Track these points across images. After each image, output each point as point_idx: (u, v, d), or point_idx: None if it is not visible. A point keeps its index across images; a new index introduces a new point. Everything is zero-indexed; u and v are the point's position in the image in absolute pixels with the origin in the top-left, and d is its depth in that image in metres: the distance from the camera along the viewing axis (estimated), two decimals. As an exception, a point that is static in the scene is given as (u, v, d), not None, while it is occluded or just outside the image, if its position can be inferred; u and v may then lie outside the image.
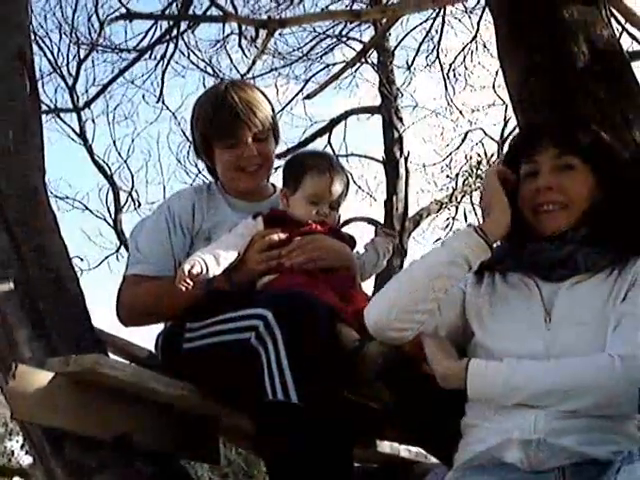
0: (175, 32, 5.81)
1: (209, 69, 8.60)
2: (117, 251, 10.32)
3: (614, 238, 1.79)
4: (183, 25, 5.95)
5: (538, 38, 2.94)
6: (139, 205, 10.44)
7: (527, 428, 1.60)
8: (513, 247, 1.89)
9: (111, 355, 2.32)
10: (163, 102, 8.86)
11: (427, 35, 8.68)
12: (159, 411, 2.11)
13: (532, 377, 1.64)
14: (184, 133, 9.28)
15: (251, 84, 2.55)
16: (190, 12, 5.50)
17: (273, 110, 2.42)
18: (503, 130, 10.28)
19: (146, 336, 2.55)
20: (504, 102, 10.39)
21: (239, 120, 2.28)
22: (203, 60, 8.42)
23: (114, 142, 10.12)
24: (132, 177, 10.51)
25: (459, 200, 7.56)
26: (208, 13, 5.39)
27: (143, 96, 9.16)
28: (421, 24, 8.91)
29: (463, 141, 10.12)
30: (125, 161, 10.37)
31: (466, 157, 7.66)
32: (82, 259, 9.57)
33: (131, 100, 9.86)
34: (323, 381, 1.85)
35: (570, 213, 1.83)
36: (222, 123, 2.29)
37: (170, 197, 2.46)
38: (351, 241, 2.36)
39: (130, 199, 10.50)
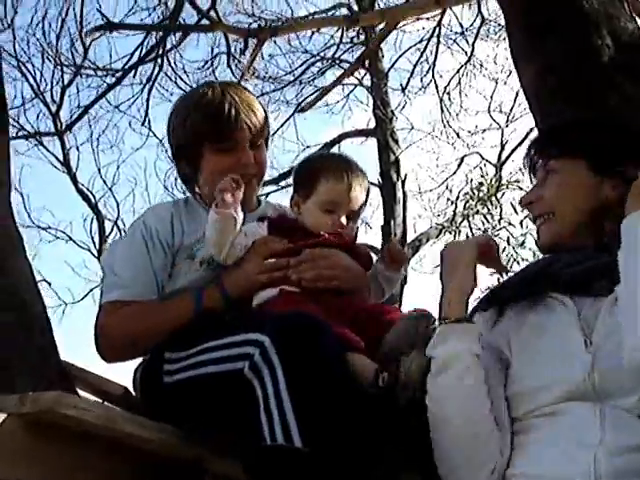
0: (160, 51, 5.57)
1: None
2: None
3: None
4: (169, 44, 5.73)
5: (558, 32, 2.72)
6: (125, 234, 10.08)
7: (588, 471, 1.35)
8: (540, 265, 1.70)
9: (82, 393, 2.01)
10: (149, 128, 8.62)
11: (421, 56, 8.45)
12: (134, 457, 1.78)
13: None
14: (171, 160, 8.98)
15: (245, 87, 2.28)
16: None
17: (267, 116, 2.15)
18: (500, 154, 10.15)
19: (122, 371, 2.22)
20: (500, 126, 10.37)
21: (240, 120, 2.00)
22: (188, 84, 8.18)
23: (99, 170, 9.83)
24: (117, 205, 10.20)
25: (459, 224, 7.32)
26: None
27: (130, 123, 8.90)
28: (415, 45, 8.71)
29: (459, 166, 9.93)
30: (110, 189, 10.07)
31: (467, 179, 7.42)
32: (49, 283, 9.12)
33: (117, 126, 9.51)
34: (332, 421, 1.52)
35: (557, 222, 1.67)
36: (221, 122, 2.00)
37: (144, 212, 2.14)
38: (368, 261, 2.04)
39: (116, 228, 10.17)
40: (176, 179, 8.62)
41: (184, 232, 2.02)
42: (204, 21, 4.84)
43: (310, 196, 1.97)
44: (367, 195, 2.03)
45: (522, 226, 6.17)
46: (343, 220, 1.95)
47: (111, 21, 4.86)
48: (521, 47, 2.77)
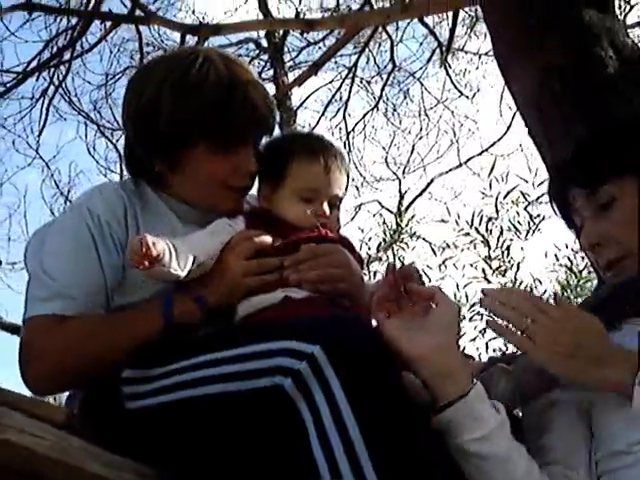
0: (67, 56, 4.97)
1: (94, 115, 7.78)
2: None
3: None
4: (71, 53, 5.13)
5: (556, 39, 2.56)
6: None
7: None
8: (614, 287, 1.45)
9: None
10: (37, 150, 7.88)
11: (333, 97, 8.25)
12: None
13: None
14: (57, 185, 8.35)
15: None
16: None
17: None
18: (400, 203, 10.11)
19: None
20: (397, 177, 10.36)
21: (255, 115, 1.57)
22: (81, 111, 7.45)
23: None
24: (-8, 231, 9.27)
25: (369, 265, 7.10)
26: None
27: (13, 142, 8.13)
28: (326, 85, 8.52)
29: (356, 213, 9.82)
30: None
31: (377, 218, 7.24)
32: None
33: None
34: (415, 453, 1.14)
35: (633, 261, 1.39)
36: (230, 115, 1.55)
37: (87, 196, 1.62)
38: (361, 261, 1.68)
39: (-17, 258, 9.18)
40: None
41: (139, 230, 1.55)
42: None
43: (281, 185, 1.62)
44: (348, 178, 1.69)
45: (440, 270, 6.01)
46: (325, 208, 1.61)
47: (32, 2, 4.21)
48: (516, 48, 2.56)
